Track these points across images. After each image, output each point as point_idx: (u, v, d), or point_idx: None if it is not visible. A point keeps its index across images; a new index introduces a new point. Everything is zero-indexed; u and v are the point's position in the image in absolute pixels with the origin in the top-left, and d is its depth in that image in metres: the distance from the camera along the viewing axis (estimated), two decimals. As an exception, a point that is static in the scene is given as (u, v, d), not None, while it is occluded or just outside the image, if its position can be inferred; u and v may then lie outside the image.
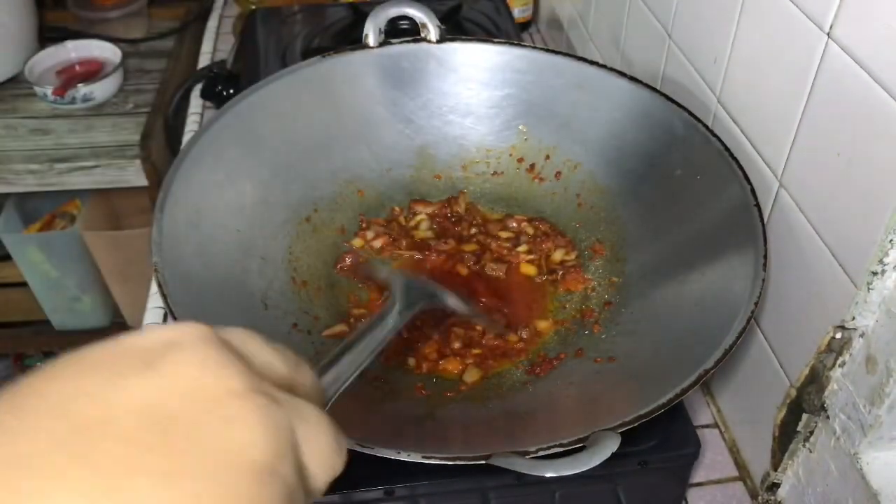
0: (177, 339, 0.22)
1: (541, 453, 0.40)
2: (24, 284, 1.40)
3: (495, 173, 0.71)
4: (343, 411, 0.50)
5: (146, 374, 0.21)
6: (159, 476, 0.19)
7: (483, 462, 0.40)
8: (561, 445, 0.40)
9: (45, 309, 1.45)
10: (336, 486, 0.48)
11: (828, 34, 0.46)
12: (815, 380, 0.51)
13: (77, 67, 1.28)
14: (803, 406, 0.52)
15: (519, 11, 1.13)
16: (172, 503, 0.19)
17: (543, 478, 0.39)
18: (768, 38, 0.53)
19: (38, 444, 0.19)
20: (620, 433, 0.40)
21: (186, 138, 0.99)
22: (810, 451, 0.53)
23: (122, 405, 0.20)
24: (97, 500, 0.18)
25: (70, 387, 0.20)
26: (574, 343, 0.57)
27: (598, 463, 0.38)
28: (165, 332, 0.22)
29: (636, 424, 0.42)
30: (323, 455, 0.25)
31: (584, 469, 0.38)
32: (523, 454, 0.40)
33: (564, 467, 0.39)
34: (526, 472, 0.39)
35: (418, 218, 0.68)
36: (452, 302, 0.53)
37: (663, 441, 0.52)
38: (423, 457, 0.40)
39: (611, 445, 0.39)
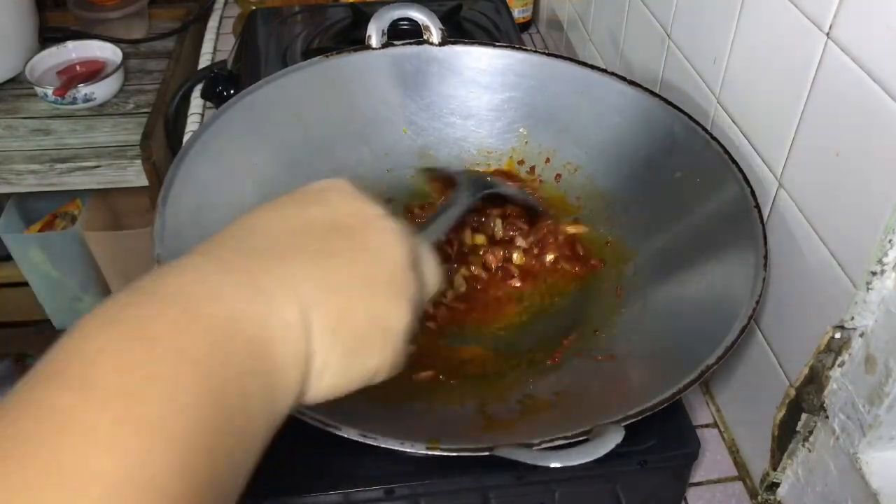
0: (326, 184, 0.33)
1: (545, 445, 0.40)
2: (24, 284, 1.41)
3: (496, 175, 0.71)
4: (344, 408, 0.50)
5: (322, 204, 0.31)
6: (348, 256, 0.29)
7: (487, 454, 0.40)
8: (565, 437, 0.41)
9: (46, 309, 1.45)
10: (336, 485, 0.49)
11: (827, 34, 0.46)
12: (815, 379, 0.51)
13: (78, 68, 1.28)
14: (802, 406, 0.52)
15: (519, 12, 1.13)
16: (356, 273, 0.29)
17: (544, 476, 0.39)
18: (768, 38, 0.53)
19: (268, 239, 0.29)
20: (624, 426, 0.40)
21: (187, 138, 0.99)
22: (809, 451, 0.53)
23: (314, 220, 0.30)
24: (311, 269, 0.27)
25: (275, 212, 0.31)
26: (576, 341, 0.58)
27: (603, 454, 0.39)
28: (320, 182, 0.33)
29: (639, 418, 0.42)
30: (431, 271, 0.34)
31: (589, 459, 0.39)
32: (528, 446, 0.40)
33: (569, 458, 0.39)
34: (531, 462, 0.39)
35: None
36: (507, 189, 0.65)
37: (663, 441, 0.52)
38: (427, 447, 0.40)
39: (615, 437, 0.39)
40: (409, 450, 0.40)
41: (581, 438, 0.40)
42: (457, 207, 0.57)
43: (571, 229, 0.66)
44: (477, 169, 0.71)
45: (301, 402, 0.28)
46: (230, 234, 0.29)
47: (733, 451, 0.63)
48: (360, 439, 0.40)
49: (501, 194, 0.66)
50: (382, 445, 0.40)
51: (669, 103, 0.62)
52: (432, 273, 0.34)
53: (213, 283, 0.25)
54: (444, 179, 0.69)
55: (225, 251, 0.27)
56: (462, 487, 0.51)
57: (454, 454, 0.40)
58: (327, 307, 0.27)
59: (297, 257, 0.28)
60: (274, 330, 0.25)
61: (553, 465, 0.39)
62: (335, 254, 0.29)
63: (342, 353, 0.27)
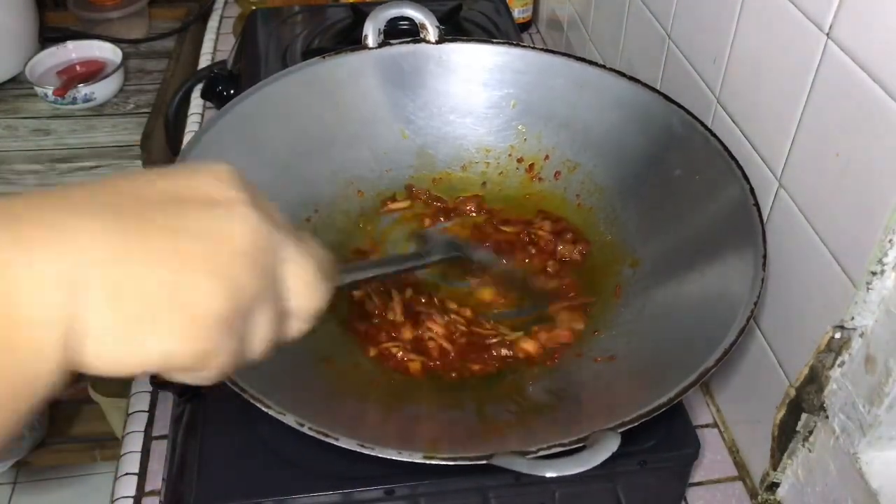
0: (208, 165, 0.30)
1: (541, 453, 0.40)
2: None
3: (495, 173, 0.71)
4: (343, 413, 0.50)
5: (176, 178, 0.29)
6: (170, 225, 0.27)
7: (484, 462, 0.40)
8: (561, 445, 0.41)
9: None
10: (336, 485, 0.49)
11: (827, 35, 0.46)
12: (815, 379, 0.51)
13: (78, 68, 1.28)
14: (802, 406, 0.52)
15: (519, 12, 1.13)
16: (168, 243, 0.26)
17: (543, 478, 0.39)
18: (768, 38, 0.53)
19: (99, 197, 0.26)
20: (620, 433, 0.40)
21: (187, 139, 0.99)
22: (810, 451, 0.53)
23: (166, 191, 0.28)
24: (114, 230, 0.25)
25: (141, 177, 0.28)
26: (576, 341, 0.58)
27: (598, 463, 0.38)
28: (209, 164, 0.30)
29: (636, 424, 0.42)
30: (302, 278, 0.31)
31: (584, 469, 0.38)
32: (524, 454, 0.40)
33: (565, 467, 0.39)
34: (527, 471, 0.39)
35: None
36: (480, 255, 0.62)
37: (663, 441, 0.52)
38: (424, 457, 0.40)
39: (611, 445, 0.39)
40: (406, 459, 0.40)
41: (578, 446, 0.40)
42: (409, 262, 0.54)
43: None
44: (452, 229, 0.67)
45: (79, 367, 0.26)
46: (72, 185, 0.27)
47: (733, 451, 0.63)
48: (359, 449, 0.40)
49: (469, 259, 0.62)
50: (380, 455, 0.41)
51: (668, 98, 0.62)
52: (302, 283, 0.31)
53: None
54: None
55: (32, 199, 0.25)
56: (462, 488, 0.51)
57: (451, 463, 0.40)
58: (113, 269, 0.25)
59: (104, 217, 0.25)
60: (18, 281, 0.23)
61: (549, 474, 0.39)
62: (153, 221, 0.26)
63: (122, 321, 0.25)
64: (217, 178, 0.29)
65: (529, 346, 0.57)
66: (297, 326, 0.32)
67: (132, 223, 0.26)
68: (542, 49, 0.69)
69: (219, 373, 0.28)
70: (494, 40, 0.70)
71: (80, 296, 0.24)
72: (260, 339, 0.29)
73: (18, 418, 0.24)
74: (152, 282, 0.25)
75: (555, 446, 0.41)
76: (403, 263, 0.54)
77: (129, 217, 0.26)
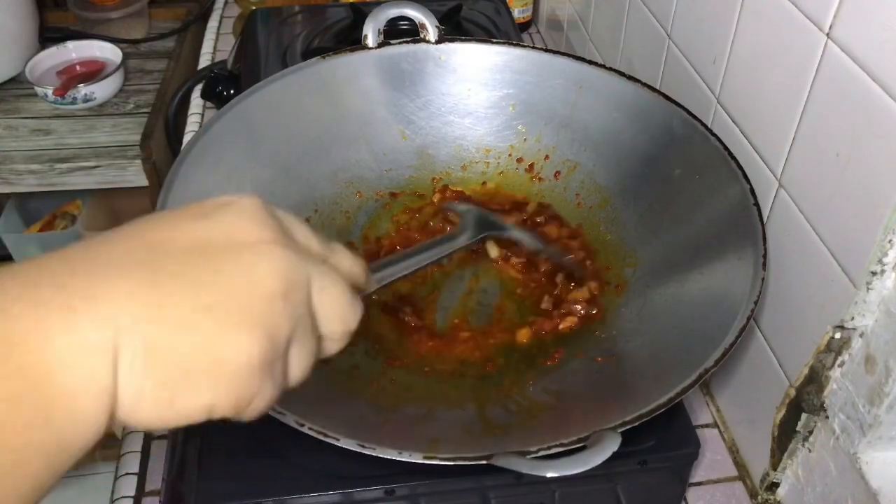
0: (232, 200, 0.29)
1: (542, 453, 0.40)
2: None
3: (495, 173, 0.71)
4: (343, 413, 0.50)
5: (209, 220, 0.28)
6: (192, 278, 0.26)
7: (484, 462, 0.40)
8: (562, 445, 0.41)
9: (46, 309, 1.45)
10: (336, 485, 0.49)
11: (827, 34, 0.46)
12: (815, 379, 0.51)
13: (78, 68, 1.28)
14: (802, 406, 0.52)
15: (519, 12, 1.13)
16: (194, 297, 0.26)
17: (544, 478, 0.39)
18: (768, 38, 0.53)
19: (120, 252, 0.26)
20: (621, 433, 0.40)
21: (187, 138, 0.99)
22: (809, 451, 0.53)
23: (186, 237, 0.27)
24: (143, 289, 0.25)
25: (153, 224, 0.28)
26: (576, 341, 0.58)
27: (599, 462, 0.38)
28: (224, 196, 0.30)
29: (636, 424, 0.42)
30: (334, 305, 0.30)
31: (585, 469, 0.38)
32: (524, 454, 0.40)
33: (565, 467, 0.39)
34: (527, 472, 0.39)
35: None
36: (517, 234, 0.58)
37: (663, 441, 0.52)
38: (425, 457, 0.40)
39: (611, 445, 0.39)
40: (406, 459, 0.40)
41: (578, 446, 0.40)
42: (445, 247, 0.49)
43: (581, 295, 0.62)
44: (489, 206, 0.66)
45: (117, 427, 0.26)
46: (97, 241, 0.27)
47: (733, 451, 0.63)
48: (359, 449, 0.41)
49: (506, 238, 0.59)
50: (381, 455, 0.41)
51: (668, 98, 0.62)
52: (334, 310, 0.31)
53: (13, 295, 0.24)
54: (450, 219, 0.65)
55: (62, 262, 0.25)
56: (462, 488, 0.51)
57: (451, 463, 0.40)
58: (144, 333, 0.25)
59: (133, 275, 0.25)
60: (58, 353, 0.23)
61: (549, 475, 0.39)
62: (179, 275, 0.26)
63: (159, 384, 0.25)
64: (242, 215, 0.29)
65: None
66: (331, 347, 0.32)
67: (166, 282, 0.26)
68: (542, 49, 0.69)
69: (262, 409, 0.28)
70: (494, 40, 0.70)
71: (119, 363, 0.24)
72: (298, 369, 0.30)
73: (54, 481, 0.24)
74: (187, 343, 0.25)
75: (555, 446, 0.40)
76: (436, 251, 0.49)
77: (160, 274, 0.26)
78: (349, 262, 0.33)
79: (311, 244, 0.31)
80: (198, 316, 0.26)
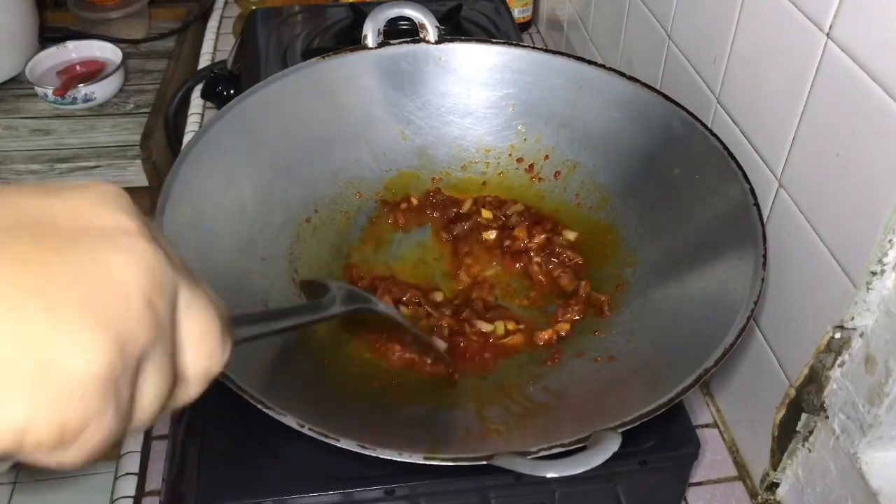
0: (88, 184, 0.24)
1: (542, 453, 0.40)
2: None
3: (495, 174, 0.71)
4: (344, 414, 0.50)
5: (45, 196, 0.23)
6: (36, 260, 0.21)
7: (484, 462, 0.40)
8: (562, 445, 0.41)
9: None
10: (336, 485, 0.49)
11: (827, 34, 0.46)
12: (815, 379, 0.51)
13: (78, 68, 1.28)
14: (802, 406, 0.52)
15: (519, 12, 1.13)
16: (33, 283, 0.20)
17: (544, 478, 0.39)
18: (768, 38, 0.53)
19: None
20: (621, 433, 0.40)
21: (187, 139, 0.99)
22: (810, 451, 0.53)
23: (41, 216, 0.22)
24: None
25: (8, 196, 0.22)
26: (576, 341, 0.58)
27: (599, 463, 0.38)
28: (92, 182, 0.24)
29: (636, 424, 0.42)
30: (203, 330, 0.25)
31: (585, 469, 0.38)
32: (524, 454, 0.40)
33: (566, 467, 0.39)
34: (527, 472, 0.39)
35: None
36: (383, 308, 0.52)
37: (663, 441, 0.52)
38: (425, 457, 0.40)
39: (612, 445, 0.39)
40: (406, 459, 0.40)
41: (578, 446, 0.40)
42: (309, 315, 0.46)
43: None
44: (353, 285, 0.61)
45: None
46: None
47: (733, 451, 0.63)
48: (359, 450, 0.40)
49: (376, 312, 0.53)
50: (381, 456, 0.41)
51: (667, 98, 0.62)
52: (201, 333, 0.25)
53: None
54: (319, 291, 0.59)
55: None
56: (462, 488, 0.51)
57: (451, 464, 0.40)
58: None
59: None
60: None
61: (549, 475, 0.39)
62: (23, 256, 0.21)
63: None
64: (99, 199, 0.23)
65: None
66: (188, 391, 0.26)
67: None
68: (541, 49, 0.69)
69: (90, 451, 0.22)
70: (494, 40, 0.70)
71: None
72: (148, 400, 0.23)
73: None
74: (4, 334, 0.20)
75: (555, 446, 0.41)
76: (301, 317, 0.46)
77: None
78: (217, 299, 0.27)
79: (176, 258, 0.25)
80: (22, 302, 0.20)
